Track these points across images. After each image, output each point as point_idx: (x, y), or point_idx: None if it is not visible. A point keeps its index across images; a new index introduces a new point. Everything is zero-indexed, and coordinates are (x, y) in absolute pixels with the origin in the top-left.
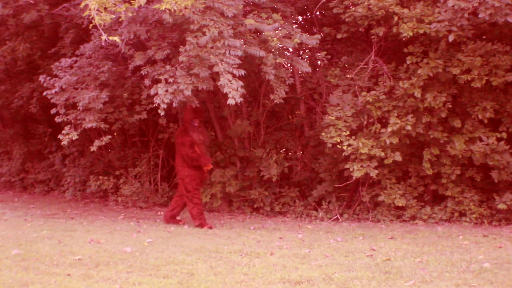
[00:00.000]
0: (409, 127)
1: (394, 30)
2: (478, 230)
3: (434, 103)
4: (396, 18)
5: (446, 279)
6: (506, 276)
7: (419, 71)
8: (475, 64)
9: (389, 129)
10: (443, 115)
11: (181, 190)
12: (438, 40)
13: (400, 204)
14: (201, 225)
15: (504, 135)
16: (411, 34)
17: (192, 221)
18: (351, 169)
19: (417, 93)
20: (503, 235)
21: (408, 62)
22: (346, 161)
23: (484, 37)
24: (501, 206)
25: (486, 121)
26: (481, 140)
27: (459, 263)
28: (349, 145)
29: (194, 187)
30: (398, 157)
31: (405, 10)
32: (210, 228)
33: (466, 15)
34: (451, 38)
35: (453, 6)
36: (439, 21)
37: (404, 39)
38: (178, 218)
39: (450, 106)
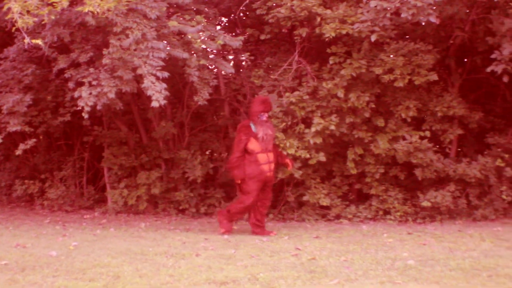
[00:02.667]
0: (332, 127)
1: (317, 31)
2: (402, 228)
3: (358, 103)
4: (319, 19)
5: (371, 277)
6: (430, 272)
7: (342, 72)
8: (397, 63)
9: (313, 129)
10: (367, 114)
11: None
12: (361, 40)
13: (324, 204)
14: (221, 224)
15: (427, 133)
16: (333, 34)
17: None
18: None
19: (341, 93)
20: (427, 232)
21: (331, 62)
22: None
23: (407, 36)
24: (425, 203)
25: (409, 120)
26: (404, 138)
27: (383, 260)
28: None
29: (253, 189)
30: (322, 157)
31: (328, 11)
32: (227, 233)
33: (388, 15)
34: (373, 38)
35: (375, 6)
36: (361, 22)
37: (327, 39)
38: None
39: (374, 105)
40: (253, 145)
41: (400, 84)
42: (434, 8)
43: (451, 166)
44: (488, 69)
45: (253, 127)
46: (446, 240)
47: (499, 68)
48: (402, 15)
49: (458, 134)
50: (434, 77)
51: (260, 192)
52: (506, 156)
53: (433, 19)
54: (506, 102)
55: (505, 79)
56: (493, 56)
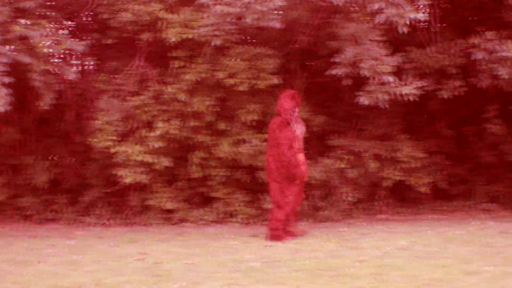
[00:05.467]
0: (176, 131)
1: (161, 35)
2: (247, 230)
3: (201, 107)
4: (163, 24)
5: (216, 279)
6: (275, 273)
7: (185, 76)
8: (240, 68)
9: (156, 133)
10: (209, 118)
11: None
12: (204, 44)
13: (169, 208)
14: (278, 237)
15: None
16: (177, 39)
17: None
18: (120, 175)
19: (184, 98)
20: None
21: (175, 66)
22: (115, 166)
23: (250, 41)
24: (268, 206)
25: (252, 123)
26: (247, 142)
27: (228, 263)
28: (118, 151)
29: (291, 192)
30: (168, 162)
31: (172, 16)
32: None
33: (232, 19)
34: (216, 42)
35: (219, 11)
36: (205, 26)
37: (171, 44)
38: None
39: (217, 109)
40: (297, 144)
41: (243, 88)
42: (278, 13)
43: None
44: (330, 72)
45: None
46: (291, 242)
47: (341, 71)
48: (246, 20)
49: None
50: (276, 81)
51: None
52: (349, 157)
53: (276, 24)
54: (348, 105)
55: (347, 82)
56: (335, 59)
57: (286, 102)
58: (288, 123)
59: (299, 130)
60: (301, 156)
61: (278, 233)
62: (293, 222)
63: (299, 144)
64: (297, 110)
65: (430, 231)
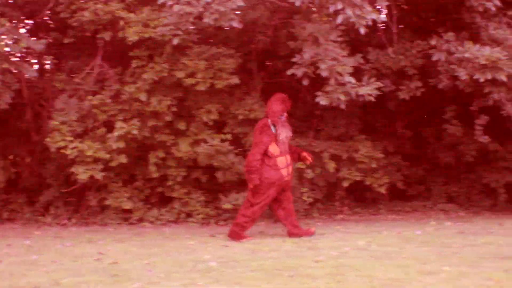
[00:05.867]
0: (135, 131)
1: (120, 34)
2: (205, 230)
3: (160, 106)
4: (122, 23)
5: (173, 279)
6: (231, 273)
7: (144, 75)
8: (199, 67)
9: (115, 133)
10: (169, 118)
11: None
12: (164, 44)
13: (127, 207)
14: (238, 236)
15: (229, 136)
16: (136, 38)
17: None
18: (76, 172)
19: (143, 97)
20: None
21: (134, 66)
22: (71, 164)
23: (209, 41)
24: (226, 206)
25: (211, 123)
26: (206, 141)
27: (186, 263)
28: (74, 148)
29: (264, 193)
30: (123, 159)
31: (131, 15)
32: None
33: (191, 19)
34: (176, 42)
35: (178, 10)
36: (164, 25)
37: (130, 43)
38: (302, 227)
39: (176, 109)
40: (273, 148)
41: (201, 87)
42: (237, 13)
43: None
44: (289, 72)
45: (272, 128)
46: (248, 242)
47: (299, 72)
48: (205, 20)
49: None
50: (235, 80)
51: (277, 196)
52: None
53: (235, 24)
54: (306, 105)
55: (305, 82)
56: (294, 60)
57: (275, 105)
58: (272, 126)
59: (284, 134)
60: (281, 160)
61: (238, 230)
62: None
63: (281, 148)
64: (285, 114)
65: (388, 231)
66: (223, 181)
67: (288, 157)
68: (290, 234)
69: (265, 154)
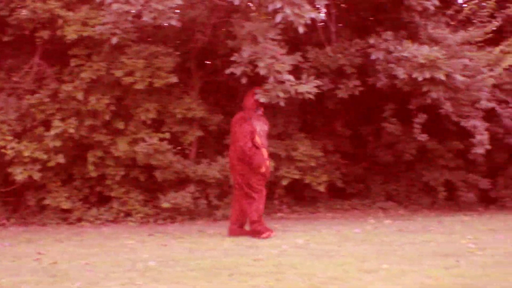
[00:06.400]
0: (72, 130)
1: (59, 33)
2: (144, 230)
3: (98, 105)
4: (61, 21)
5: (112, 279)
6: (170, 273)
7: (82, 74)
8: (138, 66)
9: (53, 132)
10: (107, 117)
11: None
12: (103, 42)
13: (66, 207)
14: (260, 232)
15: (167, 135)
16: (75, 36)
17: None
18: (14, 172)
19: (80, 96)
20: (168, 233)
21: (72, 64)
22: (10, 164)
23: (148, 39)
24: (165, 205)
25: (149, 122)
26: (144, 140)
27: (124, 262)
28: (12, 148)
29: (259, 184)
30: (61, 159)
31: (70, 13)
32: (270, 233)
33: (130, 18)
34: (114, 40)
35: (117, 9)
36: (103, 24)
37: (69, 42)
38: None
39: (114, 108)
40: (257, 139)
41: (140, 86)
42: (176, 11)
43: (191, 167)
44: (228, 71)
45: (251, 121)
46: (187, 241)
47: (238, 70)
48: (144, 18)
49: (198, 135)
50: (174, 79)
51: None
52: None
53: (174, 22)
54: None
55: (244, 80)
56: (233, 58)
57: (250, 99)
58: (247, 120)
59: (259, 127)
60: (264, 151)
61: (259, 227)
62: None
63: (261, 140)
64: (261, 108)
65: (327, 230)
66: (161, 180)
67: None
68: (231, 233)
69: (254, 144)
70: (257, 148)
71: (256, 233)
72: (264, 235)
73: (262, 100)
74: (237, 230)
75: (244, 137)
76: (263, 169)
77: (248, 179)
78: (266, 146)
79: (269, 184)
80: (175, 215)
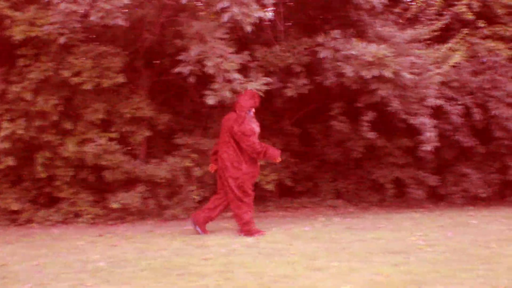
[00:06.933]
0: (21, 131)
1: (7, 33)
2: (94, 230)
3: (46, 106)
4: (8, 21)
5: (62, 280)
6: (121, 273)
7: (30, 75)
8: (86, 66)
9: (2, 134)
10: (55, 118)
11: (227, 191)
12: (50, 42)
13: (15, 208)
14: (251, 233)
15: (116, 135)
16: (23, 37)
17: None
18: None
19: (29, 97)
20: (118, 233)
21: (20, 65)
22: None
23: (96, 39)
24: (115, 205)
25: (98, 122)
26: (93, 141)
27: (75, 263)
28: None
29: (251, 188)
30: (11, 161)
31: (18, 13)
32: (262, 234)
33: (77, 17)
34: (62, 40)
35: (64, 8)
36: (51, 24)
37: (16, 42)
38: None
39: (63, 108)
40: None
41: (88, 86)
42: (124, 11)
43: (141, 167)
44: (176, 70)
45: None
46: (137, 241)
47: (186, 70)
48: (91, 18)
49: (147, 135)
50: (122, 79)
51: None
52: (195, 156)
53: (121, 22)
54: (193, 104)
55: (192, 80)
56: (180, 57)
57: (244, 100)
58: (244, 120)
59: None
60: None
61: (249, 228)
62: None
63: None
64: (253, 110)
65: (277, 228)
66: (111, 180)
67: None
68: (195, 224)
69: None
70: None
71: (247, 233)
72: (259, 234)
73: (210, 100)
74: (203, 221)
75: (250, 136)
76: (279, 159)
77: (242, 183)
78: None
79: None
80: (125, 215)
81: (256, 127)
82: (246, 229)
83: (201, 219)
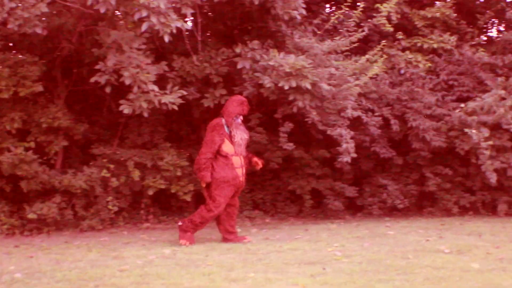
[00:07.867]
0: None
1: None
2: (9, 241)
3: None
4: None
5: None
6: (37, 285)
7: None
8: (3, 75)
9: None
10: None
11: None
12: None
13: None
14: (184, 234)
15: (33, 144)
16: None
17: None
18: None
19: None
20: (34, 244)
21: None
22: None
23: (13, 47)
24: (31, 216)
25: (14, 131)
26: (9, 150)
27: None
28: None
29: (221, 195)
30: None
31: None
32: (193, 243)
33: None
34: None
35: None
36: None
37: None
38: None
39: None
40: (227, 147)
41: (5, 95)
42: (42, 19)
43: (57, 177)
44: (92, 80)
45: (226, 128)
46: (53, 252)
47: (103, 79)
48: (9, 26)
49: (64, 145)
50: (39, 88)
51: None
52: (112, 166)
53: (39, 30)
54: (111, 114)
55: (108, 89)
56: (98, 67)
57: (232, 106)
58: (226, 127)
59: (239, 136)
60: (236, 160)
61: (188, 229)
62: (234, 227)
63: (236, 149)
64: (241, 117)
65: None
66: (27, 190)
67: (243, 158)
68: (224, 240)
69: (219, 153)
70: (225, 156)
71: (182, 234)
72: (185, 242)
73: (126, 111)
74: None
75: (204, 146)
76: (202, 184)
77: (212, 189)
78: (243, 154)
79: (135, 194)
80: (42, 226)
81: (243, 134)
82: (186, 231)
83: (229, 236)
